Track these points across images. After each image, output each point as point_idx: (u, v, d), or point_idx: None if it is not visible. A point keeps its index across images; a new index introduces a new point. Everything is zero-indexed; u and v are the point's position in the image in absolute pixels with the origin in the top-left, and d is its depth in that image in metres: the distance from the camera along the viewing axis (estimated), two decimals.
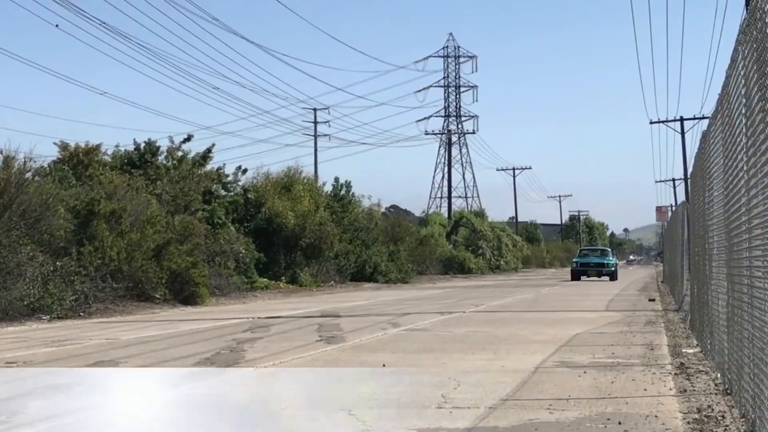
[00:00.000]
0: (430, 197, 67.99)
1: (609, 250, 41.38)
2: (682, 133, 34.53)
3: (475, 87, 70.04)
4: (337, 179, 33.44)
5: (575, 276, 32.95)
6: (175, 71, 56.28)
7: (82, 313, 13.94)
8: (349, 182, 33.65)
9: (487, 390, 5.49)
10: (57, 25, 25.18)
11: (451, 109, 68.94)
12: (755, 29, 2.82)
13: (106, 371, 6.98)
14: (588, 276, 33.07)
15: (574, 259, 36.46)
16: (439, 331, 10.88)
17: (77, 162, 20.19)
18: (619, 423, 4.03)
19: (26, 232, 13.89)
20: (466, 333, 10.40)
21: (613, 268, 33.90)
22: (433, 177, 67.84)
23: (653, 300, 17.35)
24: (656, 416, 4.28)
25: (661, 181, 57.89)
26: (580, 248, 47.25)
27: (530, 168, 69.54)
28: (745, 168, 3.35)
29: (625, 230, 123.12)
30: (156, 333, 11.09)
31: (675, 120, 34.90)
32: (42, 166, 18.42)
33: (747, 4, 7.09)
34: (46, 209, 14.69)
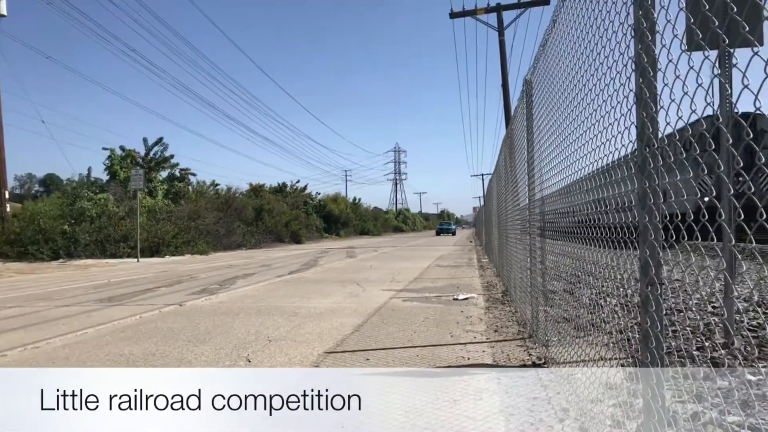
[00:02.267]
0: (389, 203, 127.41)
1: (452, 222, 79.14)
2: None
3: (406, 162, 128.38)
4: (355, 198, 75.66)
5: (438, 233, 66.83)
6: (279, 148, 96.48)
7: (257, 247, 32.70)
8: (359, 198, 77.53)
9: (408, 275, 12.52)
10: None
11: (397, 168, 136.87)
12: (509, 139, 9.57)
13: (269, 266, 12.75)
14: (444, 234, 65.18)
15: (437, 227, 75.16)
16: (399, 252, 23.20)
17: (256, 189, 45.67)
18: (458, 287, 10.92)
19: (237, 217, 33.57)
20: (405, 254, 21.12)
21: (454, 230, 70.48)
22: (390, 196, 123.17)
23: (472, 242, 32.22)
24: (471, 284, 11.27)
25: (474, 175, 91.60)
26: (440, 222, 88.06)
27: (426, 192, 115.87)
28: (497, 202, 10.32)
29: (462, 215, 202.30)
30: (284, 254, 24.66)
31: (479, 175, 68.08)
32: (242, 191, 42.65)
33: (507, 123, 14.77)
34: (244, 207, 36.36)
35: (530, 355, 4.91)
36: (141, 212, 22.89)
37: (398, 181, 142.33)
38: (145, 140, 31.46)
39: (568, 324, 4.30)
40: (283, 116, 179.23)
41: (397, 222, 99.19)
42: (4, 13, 21.90)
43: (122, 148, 30.55)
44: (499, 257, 11.57)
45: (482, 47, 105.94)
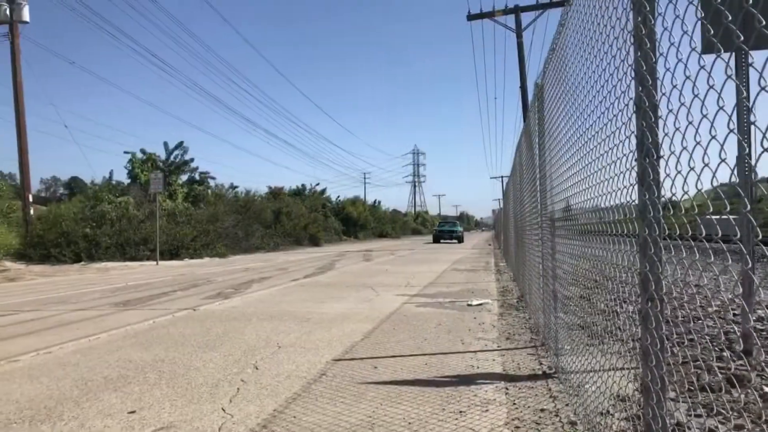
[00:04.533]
0: (407, 206, 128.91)
1: (457, 223, 52.88)
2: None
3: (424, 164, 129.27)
4: (374, 200, 75.99)
5: (436, 240, 45.53)
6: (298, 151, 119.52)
7: (276, 250, 31.69)
8: (378, 201, 75.27)
9: (423, 280, 12.41)
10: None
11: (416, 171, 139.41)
12: (524, 141, 9.45)
13: (286, 269, 12.82)
14: (446, 240, 44.77)
15: (435, 229, 50.52)
16: (415, 255, 23.08)
17: (275, 191, 44.93)
18: (472, 292, 10.82)
19: (255, 219, 33.47)
20: (422, 258, 21.04)
21: (461, 234, 45.54)
22: (409, 198, 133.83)
23: (491, 245, 31.95)
24: (487, 289, 11.16)
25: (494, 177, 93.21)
26: (439, 222, 62.75)
27: (445, 194, 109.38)
28: (514, 201, 10.19)
29: (481, 218, 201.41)
30: (301, 257, 24.16)
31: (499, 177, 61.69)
32: (261, 194, 42.35)
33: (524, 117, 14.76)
34: (262, 210, 35.85)
35: (541, 364, 4.82)
36: (161, 215, 23.11)
37: (417, 184, 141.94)
38: (165, 144, 31.77)
39: (582, 331, 4.20)
40: (302, 119, 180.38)
41: (415, 224, 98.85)
42: (27, 19, 22.30)
43: (143, 151, 30.90)
44: (516, 261, 11.44)
45: (500, 49, 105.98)
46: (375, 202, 74.38)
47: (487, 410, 3.60)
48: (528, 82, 20.87)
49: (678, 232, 1.71)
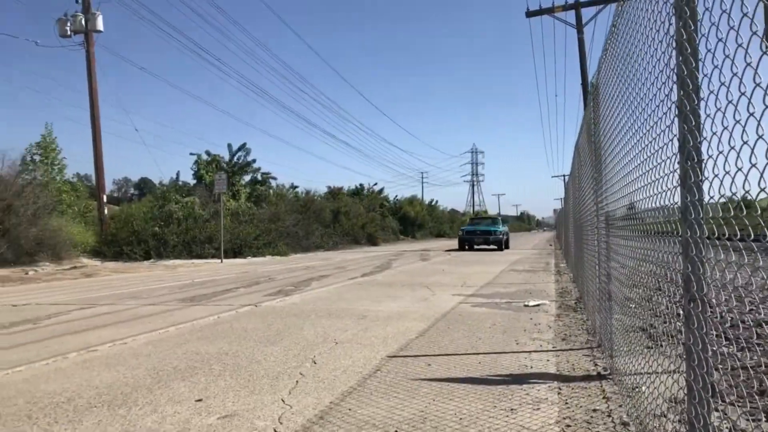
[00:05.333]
0: (465, 205, 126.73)
1: (498, 221, 32.96)
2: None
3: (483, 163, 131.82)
4: (431, 200, 74.66)
5: (464, 245, 29.76)
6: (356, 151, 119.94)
7: (334, 249, 32.99)
8: (436, 200, 76.21)
9: (480, 280, 12.39)
10: None
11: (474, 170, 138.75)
12: (582, 140, 9.33)
13: (344, 268, 13.23)
14: (478, 243, 29.54)
15: (461, 230, 31.57)
16: (472, 255, 23.72)
17: (333, 191, 46.02)
18: (530, 293, 10.72)
19: (315, 219, 34.53)
20: (479, 258, 21.04)
21: (502, 236, 29.28)
22: (467, 198, 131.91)
23: (552, 245, 31.72)
24: (545, 290, 11.03)
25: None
26: (470, 220, 41.47)
27: (504, 194, 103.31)
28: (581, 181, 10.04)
29: (543, 218, 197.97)
30: (359, 256, 25.11)
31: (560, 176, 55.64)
32: (320, 194, 43.56)
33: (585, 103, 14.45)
34: (321, 210, 37.19)
35: (596, 365, 4.79)
36: (225, 215, 23.93)
37: (475, 183, 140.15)
38: (229, 146, 32.86)
39: (642, 333, 4.16)
40: (359, 119, 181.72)
41: None
42: (101, 28, 23.55)
43: (208, 153, 32.07)
44: (575, 261, 11.27)
45: (560, 45, 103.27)
46: (432, 201, 74.07)
47: (538, 408, 3.64)
48: (589, 79, 20.40)
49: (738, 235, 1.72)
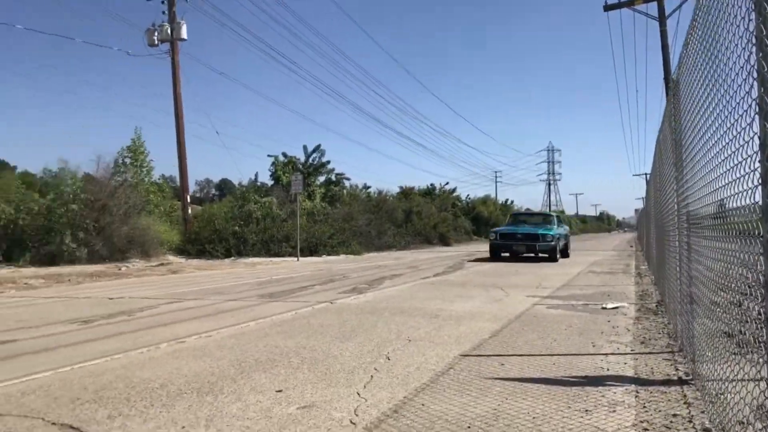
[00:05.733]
0: (541, 205, 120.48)
1: (552, 220, 23.28)
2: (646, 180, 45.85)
3: (560, 162, 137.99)
4: (506, 200, 73.66)
5: (495, 250, 21.34)
6: (428, 151, 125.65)
7: (406, 249, 33.24)
8: (511, 200, 73.30)
9: (556, 282, 12.19)
10: None
11: (551, 168, 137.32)
12: (662, 137, 8.98)
13: (416, 267, 13.53)
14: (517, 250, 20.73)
15: (493, 234, 22.28)
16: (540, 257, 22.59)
17: (405, 191, 46.66)
18: (608, 295, 10.42)
19: (387, 219, 34.98)
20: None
21: (551, 241, 20.16)
22: (543, 197, 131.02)
23: (632, 246, 32.01)
24: (624, 292, 10.68)
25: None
26: (510, 219, 25.98)
27: (582, 193, 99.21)
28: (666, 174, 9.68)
29: (623, 218, 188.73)
30: (431, 256, 25.26)
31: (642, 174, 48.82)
32: (393, 194, 44.32)
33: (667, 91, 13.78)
34: (394, 210, 37.55)
35: (677, 370, 4.64)
36: (301, 214, 24.61)
37: (552, 182, 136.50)
38: (304, 147, 33.79)
39: (729, 339, 4.00)
40: (431, 118, 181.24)
41: None
42: (185, 36, 24.76)
43: (284, 154, 33.09)
44: (656, 263, 10.85)
45: (641, 39, 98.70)
46: (507, 201, 72.78)
47: (614, 411, 3.59)
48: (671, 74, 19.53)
49: None
